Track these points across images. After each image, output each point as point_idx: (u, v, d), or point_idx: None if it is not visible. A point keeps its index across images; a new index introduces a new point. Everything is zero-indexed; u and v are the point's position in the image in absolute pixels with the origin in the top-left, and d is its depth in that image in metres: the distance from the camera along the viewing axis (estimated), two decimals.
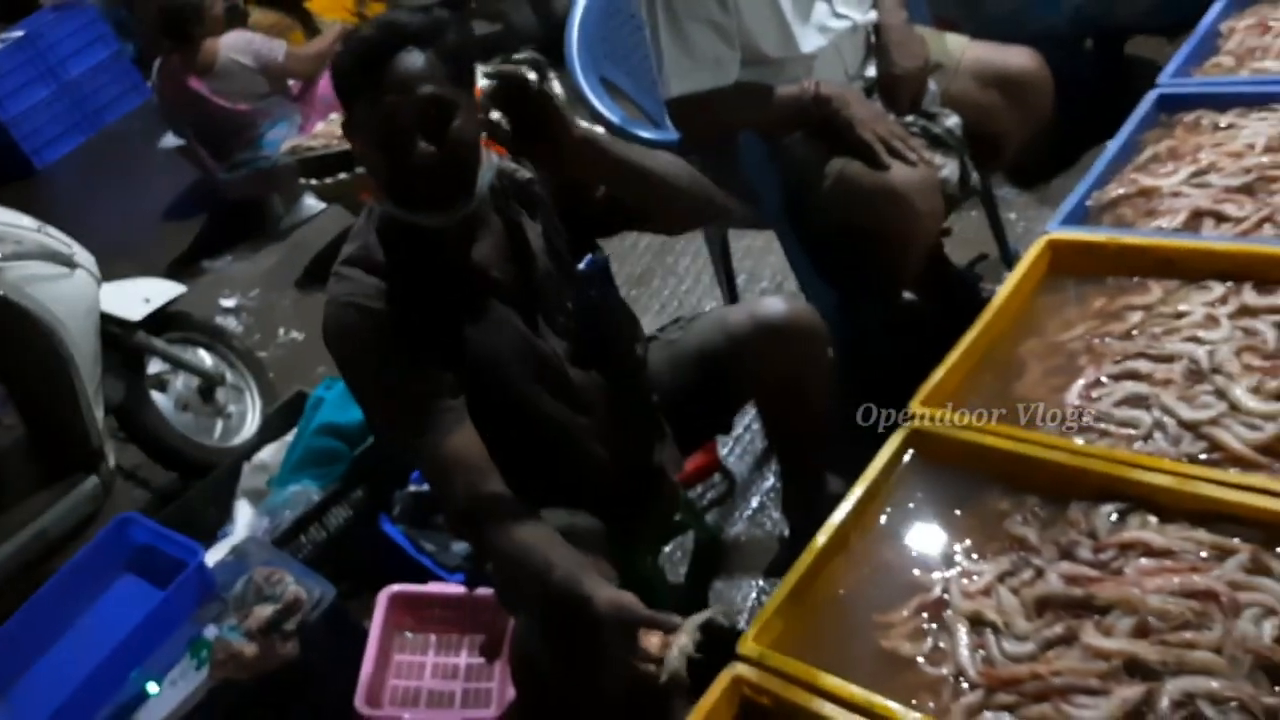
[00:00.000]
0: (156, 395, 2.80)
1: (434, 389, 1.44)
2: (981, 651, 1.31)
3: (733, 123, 1.91)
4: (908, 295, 2.15)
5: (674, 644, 1.29)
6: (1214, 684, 1.15)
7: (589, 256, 1.59)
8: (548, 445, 1.57)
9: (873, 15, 1.95)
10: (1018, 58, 1.94)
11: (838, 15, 1.91)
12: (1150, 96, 1.97)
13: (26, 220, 2.44)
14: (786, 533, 1.94)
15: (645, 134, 2.11)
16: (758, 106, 1.88)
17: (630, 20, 2.18)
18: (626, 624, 1.30)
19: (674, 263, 2.88)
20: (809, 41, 1.87)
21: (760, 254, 2.61)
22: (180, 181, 4.87)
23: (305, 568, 2.04)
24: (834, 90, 1.85)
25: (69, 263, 2.44)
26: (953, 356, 1.64)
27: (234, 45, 3.90)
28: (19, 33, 6.38)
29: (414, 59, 1.36)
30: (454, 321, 1.49)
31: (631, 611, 1.31)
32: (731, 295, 2.35)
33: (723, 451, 2.18)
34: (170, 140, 4.41)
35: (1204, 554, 1.29)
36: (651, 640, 1.31)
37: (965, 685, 1.28)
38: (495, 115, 1.35)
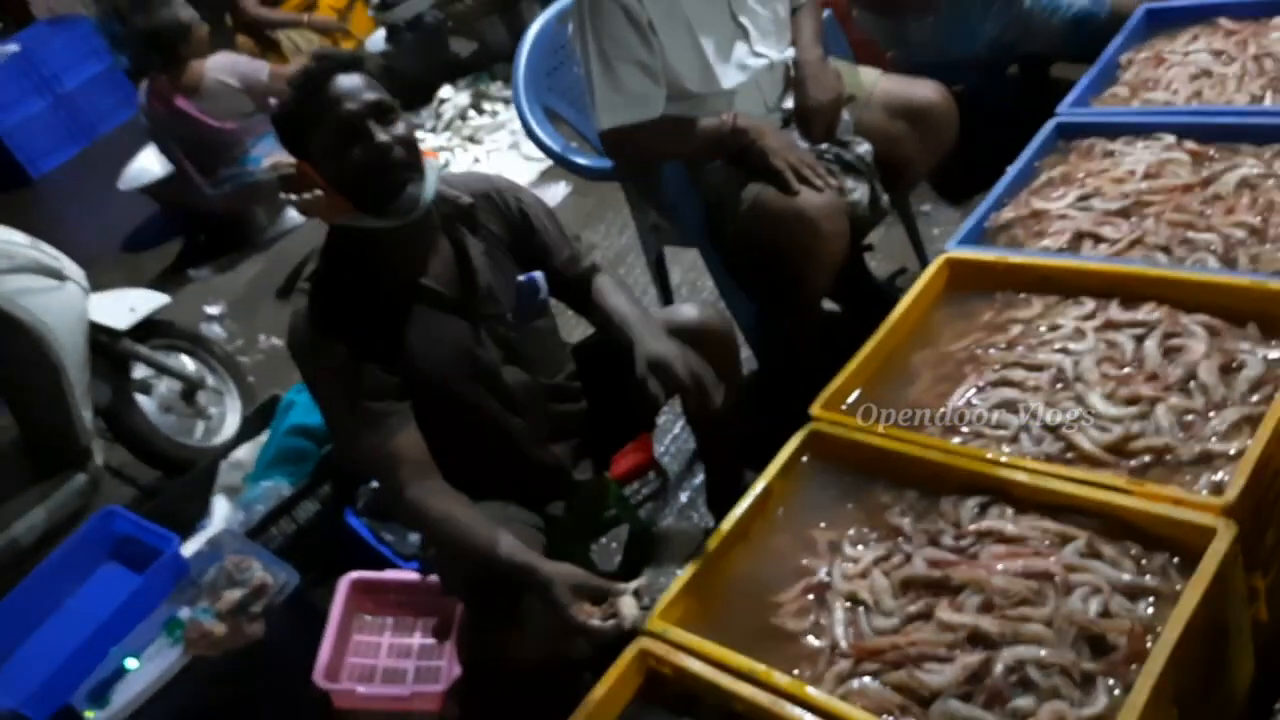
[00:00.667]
0: (141, 398, 2.97)
1: (377, 394, 1.61)
2: (853, 627, 1.48)
3: (659, 152, 2.08)
4: (830, 305, 2.33)
5: (621, 603, 1.49)
6: (1042, 652, 1.32)
7: (529, 274, 1.77)
8: (485, 443, 1.75)
9: (790, 52, 2.12)
10: (924, 90, 2.11)
11: (756, 54, 2.07)
12: (1049, 125, 2.14)
13: (19, 236, 2.61)
14: (711, 525, 2.11)
15: (582, 160, 2.28)
16: (681, 137, 2.04)
17: (573, 55, 2.35)
18: (576, 585, 1.49)
19: (625, 274, 3.06)
20: (729, 78, 2.04)
21: (702, 269, 2.78)
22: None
23: (274, 556, 2.21)
24: (750, 122, 2.02)
25: (59, 276, 2.62)
26: (852, 365, 1.81)
27: (219, 66, 4.07)
28: (14, 47, 6.53)
29: (352, 78, 1.59)
30: (400, 331, 1.66)
31: (578, 575, 1.51)
32: (667, 304, 2.53)
33: (657, 450, 2.35)
34: (131, 180, 4.59)
35: (1049, 541, 1.46)
36: (586, 609, 1.50)
37: (839, 656, 1.46)
38: None
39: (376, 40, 5.06)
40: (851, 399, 1.78)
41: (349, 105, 1.57)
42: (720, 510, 2.07)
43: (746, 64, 2.06)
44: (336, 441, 2.21)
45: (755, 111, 2.09)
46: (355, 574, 2.18)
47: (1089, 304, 1.77)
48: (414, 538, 2.23)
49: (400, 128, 1.61)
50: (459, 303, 1.70)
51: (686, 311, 1.83)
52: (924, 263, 2.47)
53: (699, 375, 1.64)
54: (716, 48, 2.03)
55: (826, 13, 2.27)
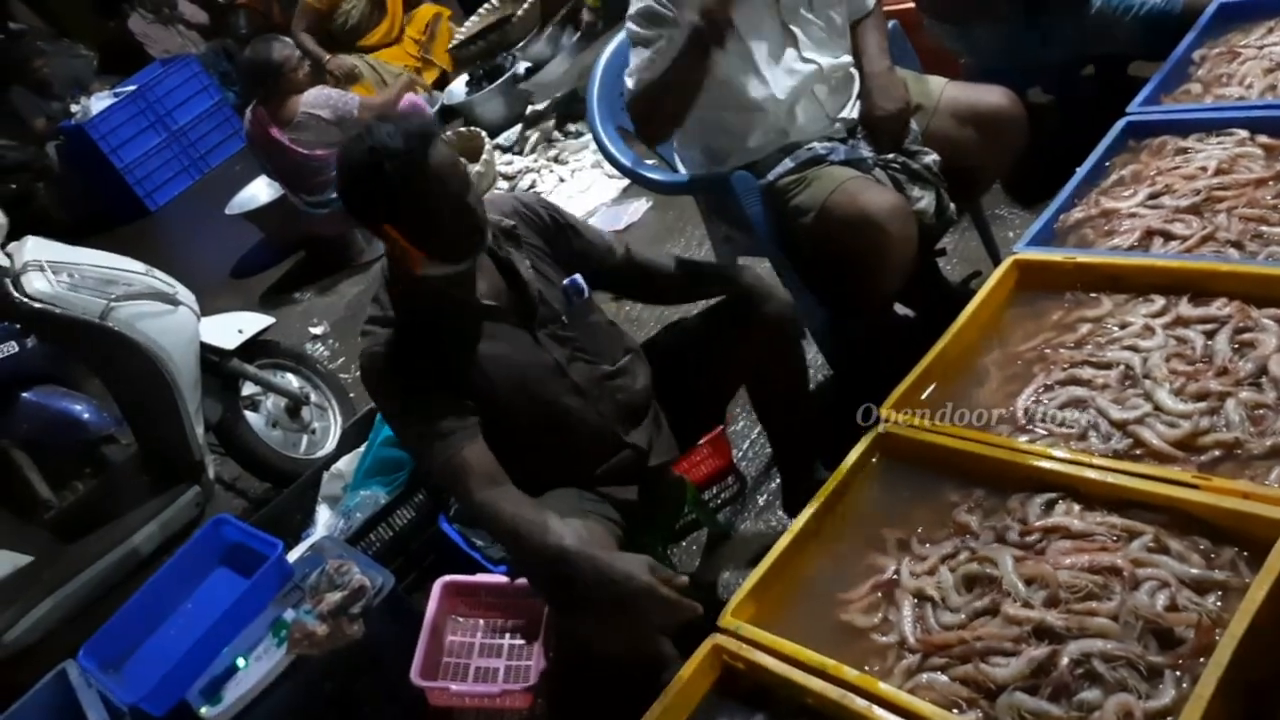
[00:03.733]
0: (250, 414, 3.15)
1: (444, 414, 1.72)
2: (921, 623, 1.52)
3: (666, 96, 1.99)
4: (902, 310, 2.35)
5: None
6: (1108, 645, 1.34)
7: (570, 277, 1.87)
8: (562, 436, 1.84)
9: (844, 59, 2.14)
10: (992, 96, 2.12)
11: (805, 60, 2.09)
12: (1119, 124, 2.13)
13: (136, 265, 2.81)
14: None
15: (653, 175, 2.36)
16: (670, 62, 1.95)
17: None
18: (652, 565, 1.58)
19: None
20: (780, 85, 2.07)
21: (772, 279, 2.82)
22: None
23: (372, 561, 2.33)
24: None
25: (172, 301, 2.80)
26: (921, 366, 1.84)
27: (312, 101, 4.28)
28: (132, 86, 6.95)
29: (443, 149, 1.68)
30: (466, 351, 1.76)
31: (649, 560, 1.59)
32: None
33: (735, 455, 2.41)
34: (237, 206, 4.86)
35: (1116, 536, 1.47)
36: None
37: (907, 651, 1.49)
38: None
39: (456, 90, 5.20)
40: (922, 398, 1.81)
41: (451, 185, 1.66)
42: (797, 513, 2.11)
43: (795, 69, 2.08)
44: (416, 462, 2.34)
45: (817, 124, 2.14)
46: (448, 577, 2.29)
47: (1159, 301, 1.77)
48: None
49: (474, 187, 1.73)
50: (516, 314, 1.81)
51: (777, 292, 1.94)
52: (997, 265, 2.48)
53: None
54: (768, 54, 2.07)
55: (892, 23, 2.30)
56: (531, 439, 1.80)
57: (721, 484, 2.35)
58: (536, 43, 4.93)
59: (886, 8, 2.34)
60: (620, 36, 2.62)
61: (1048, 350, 1.80)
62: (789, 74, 2.09)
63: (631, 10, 2.08)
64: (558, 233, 1.90)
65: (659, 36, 2.02)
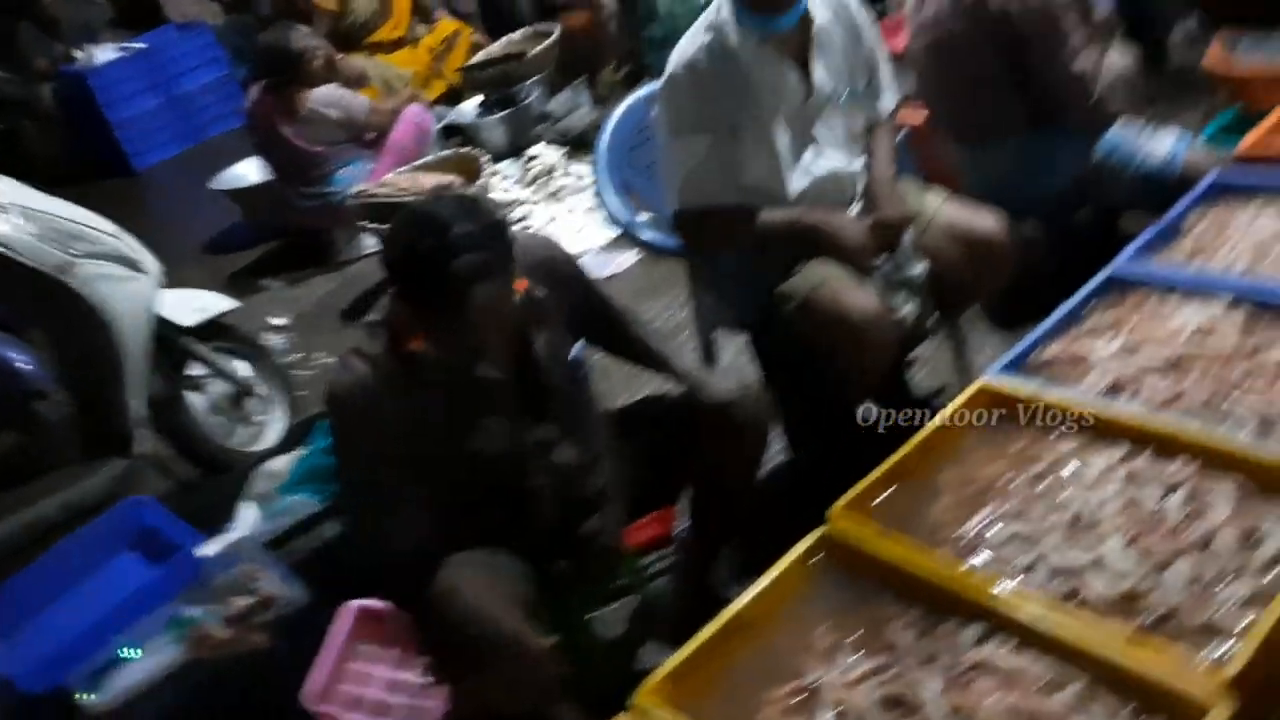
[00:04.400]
0: (192, 396, 3.08)
1: (397, 476, 1.68)
2: None
3: (727, 236, 2.15)
4: (867, 412, 2.36)
5: None
6: None
7: (577, 352, 1.86)
8: (518, 516, 1.80)
9: (858, 164, 2.19)
10: (986, 221, 2.15)
11: (824, 164, 2.14)
12: (1105, 273, 2.17)
13: (107, 225, 2.74)
14: (721, 606, 2.12)
15: (647, 236, 2.36)
16: (750, 224, 2.11)
17: (655, 136, 2.43)
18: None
19: (677, 348, 3.11)
20: (795, 183, 2.11)
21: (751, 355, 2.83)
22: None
23: (289, 571, 2.26)
24: (821, 214, 2.08)
25: (136, 267, 2.74)
26: (876, 473, 1.83)
27: (322, 98, 4.26)
28: (141, 45, 6.89)
29: (490, 290, 1.61)
30: (450, 417, 1.71)
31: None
32: None
33: (678, 527, 2.37)
34: (223, 182, 4.82)
35: (1045, 681, 1.46)
36: None
37: None
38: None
39: (467, 110, 5.21)
40: (873, 504, 1.80)
41: (488, 316, 1.62)
42: (730, 592, 2.09)
43: (811, 170, 2.13)
44: (342, 500, 2.21)
45: None
46: (362, 601, 2.22)
47: (1119, 451, 1.78)
48: None
49: (512, 296, 1.68)
50: (514, 388, 1.77)
51: (720, 387, 1.86)
52: (966, 384, 2.49)
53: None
54: (788, 150, 2.11)
55: (903, 132, 2.33)
56: (484, 513, 1.77)
57: (660, 552, 2.31)
58: (562, 94, 4.95)
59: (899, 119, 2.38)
60: (634, 97, 2.64)
61: (1004, 480, 1.80)
62: (805, 174, 2.13)
63: (669, 99, 2.09)
64: (576, 294, 1.87)
65: (708, 133, 2.05)
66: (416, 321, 1.64)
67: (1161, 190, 2.40)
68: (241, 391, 3.20)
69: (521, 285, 1.68)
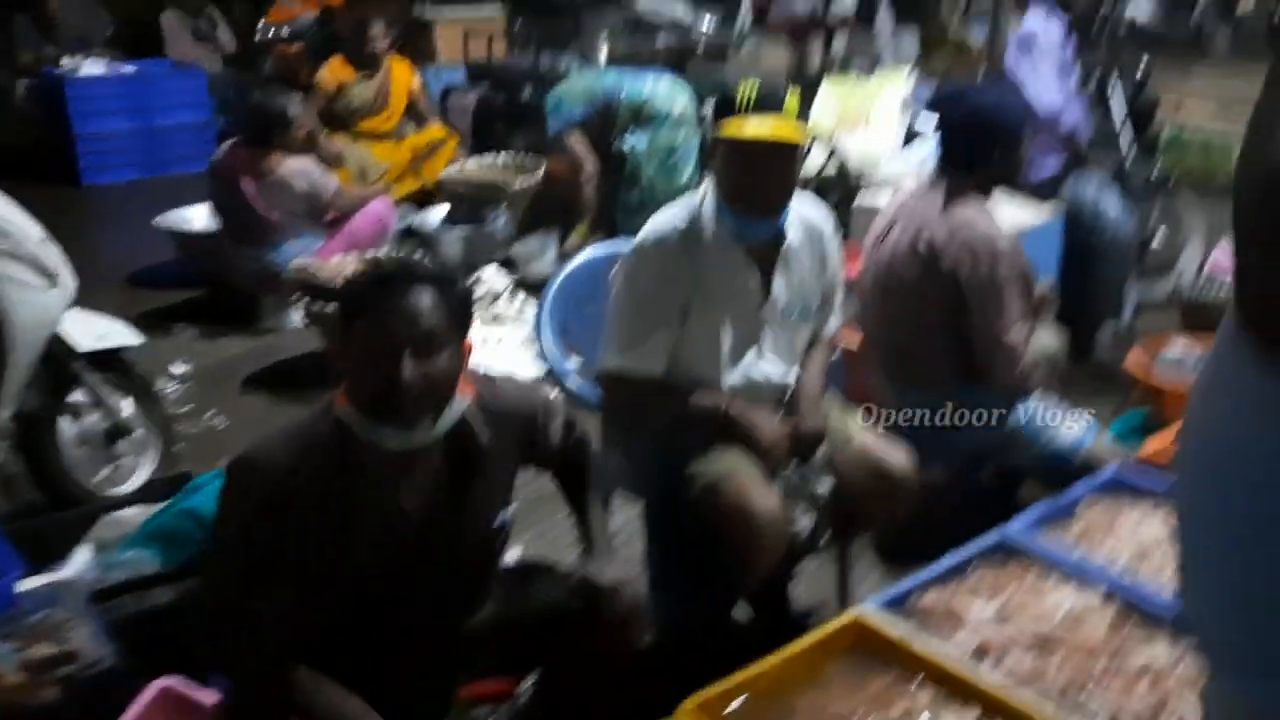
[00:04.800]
0: (65, 422, 2.92)
1: (274, 574, 1.60)
2: None
3: (649, 407, 2.16)
4: (743, 611, 2.33)
5: None
6: None
7: (503, 515, 1.80)
8: (369, 657, 1.71)
9: (791, 376, 2.24)
10: (896, 457, 2.20)
11: (763, 368, 2.20)
12: (994, 535, 2.22)
13: (36, 231, 2.65)
14: None
15: (571, 385, 2.37)
16: (675, 404, 2.14)
17: (607, 293, 2.47)
18: None
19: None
20: (730, 377, 2.16)
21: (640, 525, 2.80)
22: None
23: (104, 629, 2.10)
24: (744, 411, 2.12)
25: (52, 279, 2.64)
26: (735, 679, 1.80)
27: (293, 169, 4.26)
28: (131, 69, 6.89)
29: (423, 297, 1.56)
30: (352, 524, 1.63)
31: None
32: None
33: (521, 688, 2.28)
34: (169, 221, 4.78)
35: None
36: None
37: None
38: None
39: (431, 218, 5.24)
40: (725, 712, 1.77)
41: (394, 326, 1.53)
42: None
43: (751, 374, 2.19)
44: (208, 578, 1.95)
45: None
46: (170, 680, 2.06)
47: (971, 714, 1.77)
48: None
49: (441, 360, 1.57)
50: (425, 527, 1.69)
51: (603, 574, 1.82)
52: (843, 607, 2.49)
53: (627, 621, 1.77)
54: (731, 347, 2.16)
55: (837, 353, 2.40)
56: (347, 634, 1.70)
57: (494, 708, 2.21)
58: (531, 238, 5.04)
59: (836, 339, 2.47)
60: (596, 250, 2.70)
61: (856, 715, 1.78)
62: (743, 374, 2.20)
63: (633, 263, 2.15)
64: (542, 444, 1.87)
65: (661, 307, 2.11)
66: (344, 348, 1.57)
67: (1063, 470, 2.50)
68: (117, 430, 3.05)
69: (468, 348, 1.63)
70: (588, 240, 5.03)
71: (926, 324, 2.57)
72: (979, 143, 2.56)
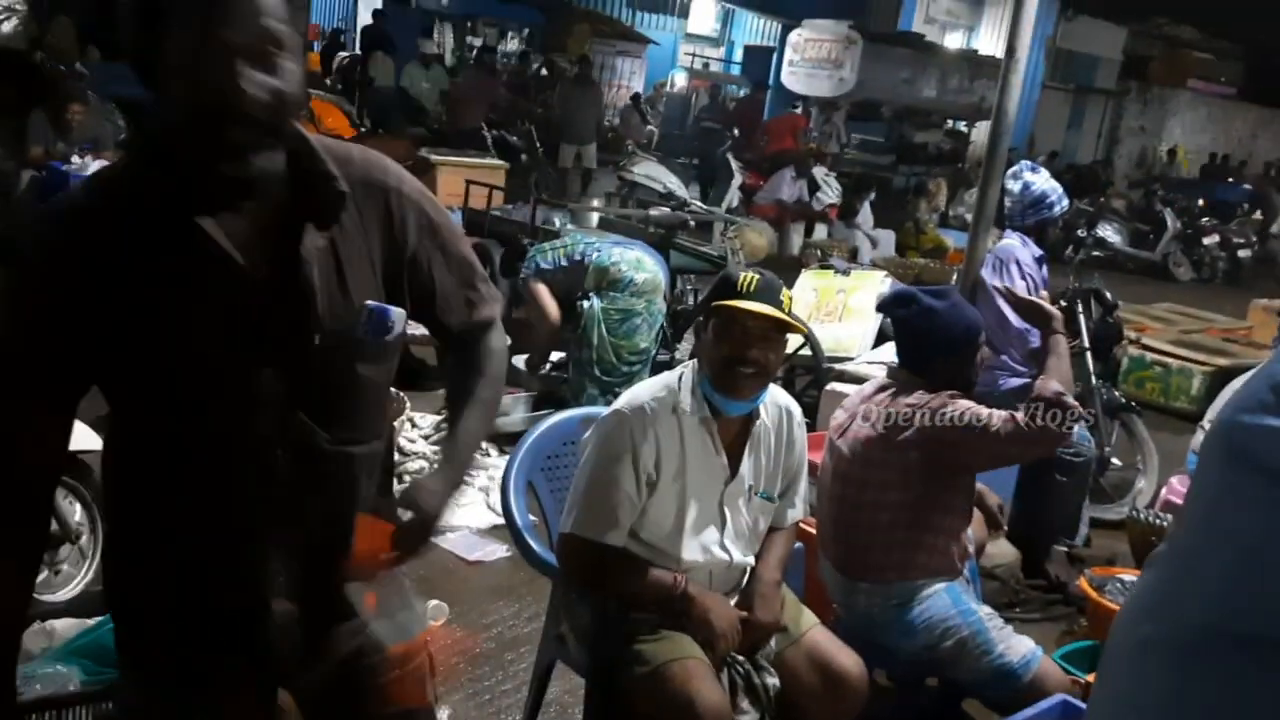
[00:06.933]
0: None
1: (52, 327, 1.28)
2: None
3: (604, 576, 2.16)
4: None
5: None
6: None
7: (383, 306, 1.39)
8: (196, 482, 1.35)
9: (750, 561, 2.26)
10: (847, 660, 2.19)
11: (722, 547, 2.22)
12: None
13: None
14: None
15: (532, 543, 2.37)
16: (631, 575, 2.15)
17: (575, 457, 2.51)
18: None
19: (512, 660, 3.03)
20: (690, 552, 2.17)
21: (579, 698, 2.74)
22: None
23: None
24: (700, 592, 2.12)
25: None
26: None
27: None
28: None
29: None
30: (147, 271, 1.27)
31: None
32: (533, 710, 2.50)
33: None
34: None
35: None
36: None
37: None
38: None
39: None
40: None
41: (226, 30, 1.19)
42: None
43: (711, 551, 2.20)
44: None
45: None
46: None
47: None
48: None
49: (284, 77, 1.23)
50: (252, 282, 1.28)
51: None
52: None
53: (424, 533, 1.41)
54: (694, 522, 2.18)
55: (798, 545, 2.43)
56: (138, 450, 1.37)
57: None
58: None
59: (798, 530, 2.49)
60: (570, 412, 2.75)
61: None
62: (703, 550, 2.20)
63: (606, 429, 2.19)
64: (402, 242, 1.42)
65: (627, 475, 2.12)
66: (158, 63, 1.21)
67: (1008, 688, 2.48)
68: (63, 536, 2.98)
69: (315, 61, 1.31)
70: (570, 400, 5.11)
71: (880, 522, 2.60)
72: (924, 347, 2.63)
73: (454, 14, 16.94)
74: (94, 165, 6.78)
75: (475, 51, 15.80)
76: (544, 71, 15.20)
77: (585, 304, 4.94)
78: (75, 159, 6.89)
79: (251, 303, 1.30)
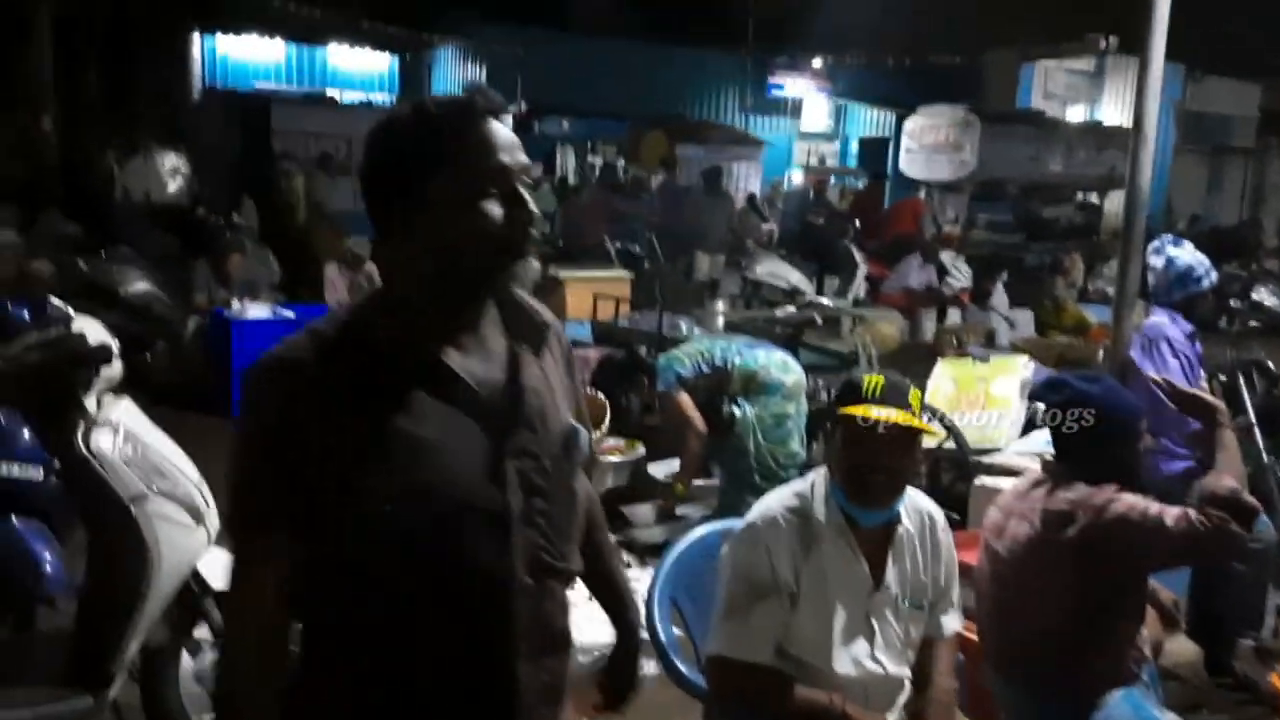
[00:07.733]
0: (188, 659, 3.00)
1: (285, 490, 1.29)
2: None
3: (756, 697, 2.11)
4: None
5: None
6: None
7: (578, 427, 1.47)
8: (439, 603, 1.32)
9: (906, 673, 2.17)
10: None
11: (874, 659, 2.14)
12: None
13: (193, 473, 2.85)
14: None
15: (681, 666, 2.33)
16: (784, 694, 2.08)
17: (718, 574, 2.49)
18: None
19: None
20: (841, 664, 2.10)
21: None
22: None
23: None
24: (858, 712, 2.05)
25: (200, 519, 2.81)
26: None
27: None
28: (290, 314, 7.44)
29: (508, 129, 1.34)
30: (384, 416, 1.29)
31: None
32: None
33: None
34: None
35: None
36: None
37: None
38: None
39: None
40: None
41: (504, 157, 1.31)
42: None
43: (862, 663, 2.13)
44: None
45: None
46: None
47: None
48: None
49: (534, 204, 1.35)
50: (486, 406, 1.33)
51: None
52: None
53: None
54: (841, 633, 2.12)
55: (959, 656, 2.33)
56: (370, 604, 1.30)
57: None
58: (640, 508, 5.07)
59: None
60: (711, 526, 2.73)
61: None
62: (854, 664, 2.14)
63: (742, 545, 2.17)
64: (571, 372, 1.52)
65: (769, 590, 2.10)
66: (409, 213, 1.29)
67: None
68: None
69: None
70: (685, 497, 5.03)
71: (1050, 628, 2.47)
72: (1082, 436, 2.50)
73: (575, 137, 17.61)
74: (252, 309, 7.26)
75: (598, 170, 16.34)
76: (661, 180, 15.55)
77: (736, 411, 4.71)
78: (235, 304, 7.39)
79: (491, 429, 1.34)
